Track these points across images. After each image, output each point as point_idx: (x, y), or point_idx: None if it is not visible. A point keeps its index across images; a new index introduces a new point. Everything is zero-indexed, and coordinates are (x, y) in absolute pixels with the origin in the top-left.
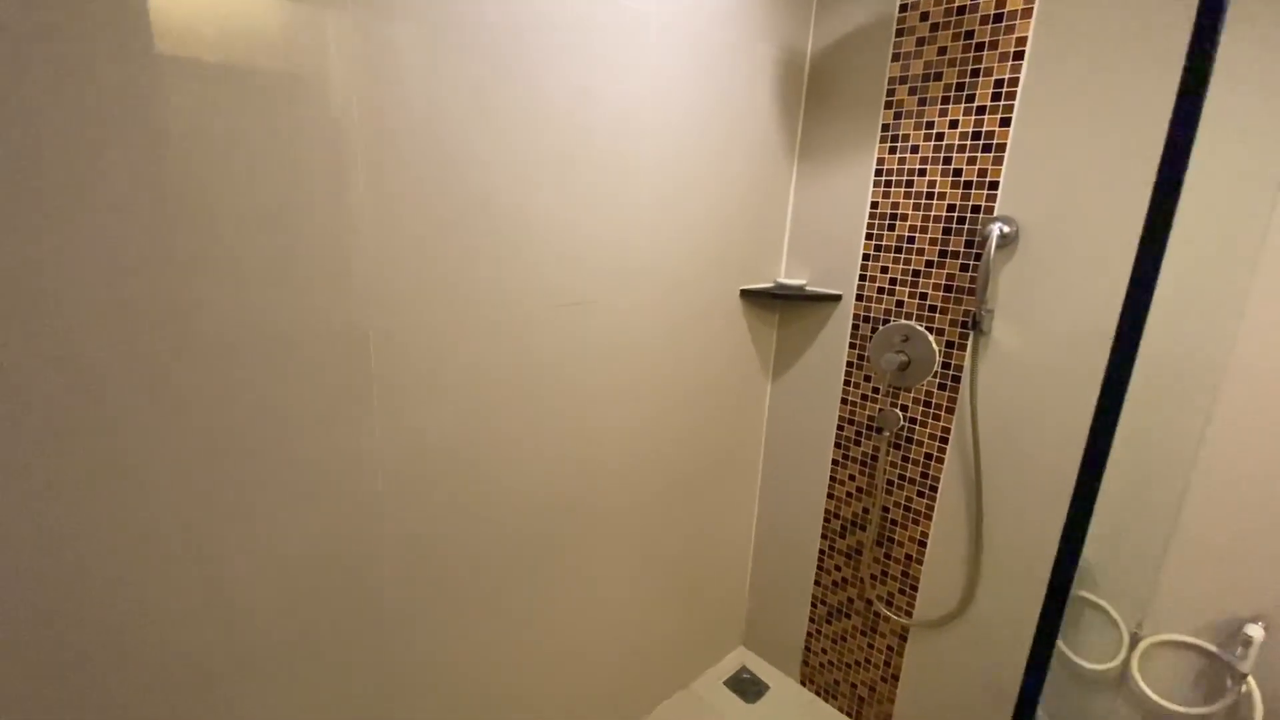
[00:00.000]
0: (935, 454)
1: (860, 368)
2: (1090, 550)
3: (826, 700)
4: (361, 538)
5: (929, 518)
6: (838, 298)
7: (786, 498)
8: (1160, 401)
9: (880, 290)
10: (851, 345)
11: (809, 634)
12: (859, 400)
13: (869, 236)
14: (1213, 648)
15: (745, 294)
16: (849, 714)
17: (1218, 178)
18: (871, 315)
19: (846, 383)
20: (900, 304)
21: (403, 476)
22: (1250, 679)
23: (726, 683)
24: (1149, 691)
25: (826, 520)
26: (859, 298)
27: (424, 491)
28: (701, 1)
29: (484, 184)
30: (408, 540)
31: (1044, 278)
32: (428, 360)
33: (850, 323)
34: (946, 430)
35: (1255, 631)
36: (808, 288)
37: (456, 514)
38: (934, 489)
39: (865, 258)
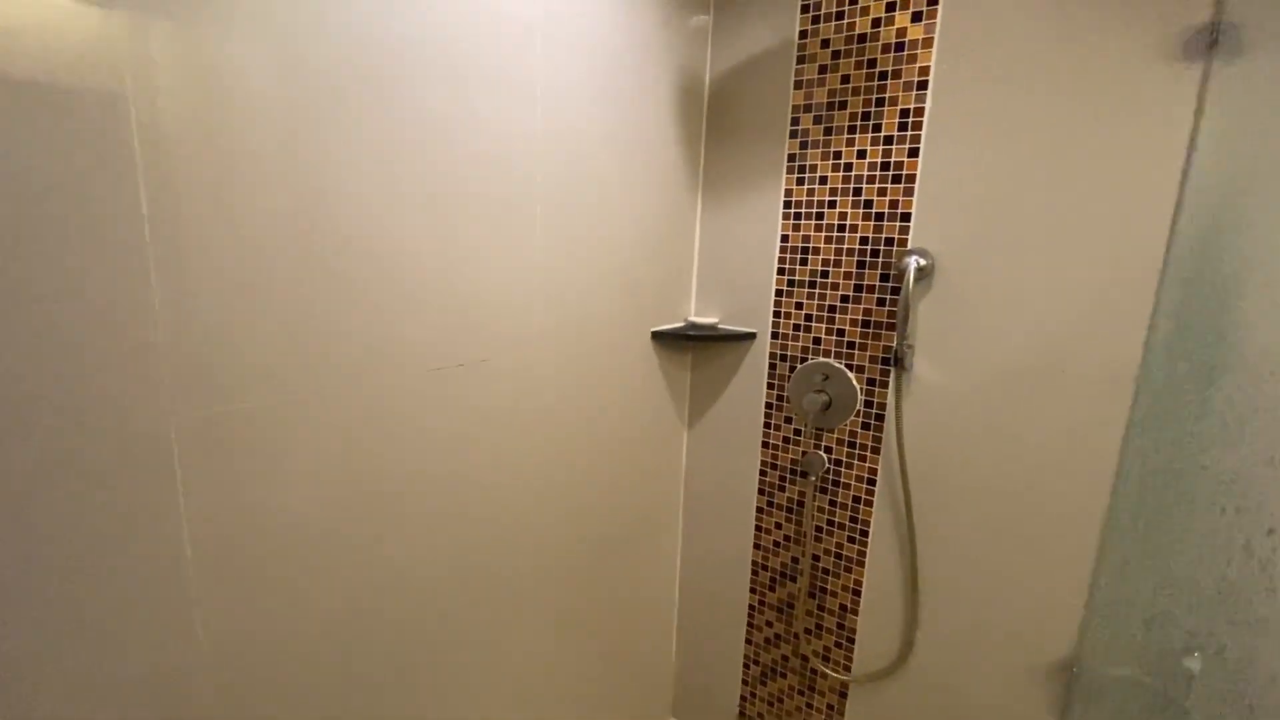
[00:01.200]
0: (863, 497)
1: (780, 409)
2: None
3: None
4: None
5: (861, 564)
6: (752, 336)
7: (711, 550)
8: None
9: (796, 327)
10: (770, 386)
11: (743, 697)
12: (781, 443)
13: (781, 271)
14: (1145, 677)
15: (656, 336)
16: None
17: None
18: (789, 354)
19: (767, 425)
20: (818, 341)
21: (235, 579)
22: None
23: None
24: None
25: (755, 573)
26: (775, 335)
27: (265, 590)
28: (590, 12)
29: (347, 222)
30: (238, 653)
31: (963, 311)
32: (273, 444)
33: (767, 362)
34: (874, 471)
35: (1193, 664)
36: (720, 326)
37: (318, 611)
38: (865, 534)
39: (779, 293)
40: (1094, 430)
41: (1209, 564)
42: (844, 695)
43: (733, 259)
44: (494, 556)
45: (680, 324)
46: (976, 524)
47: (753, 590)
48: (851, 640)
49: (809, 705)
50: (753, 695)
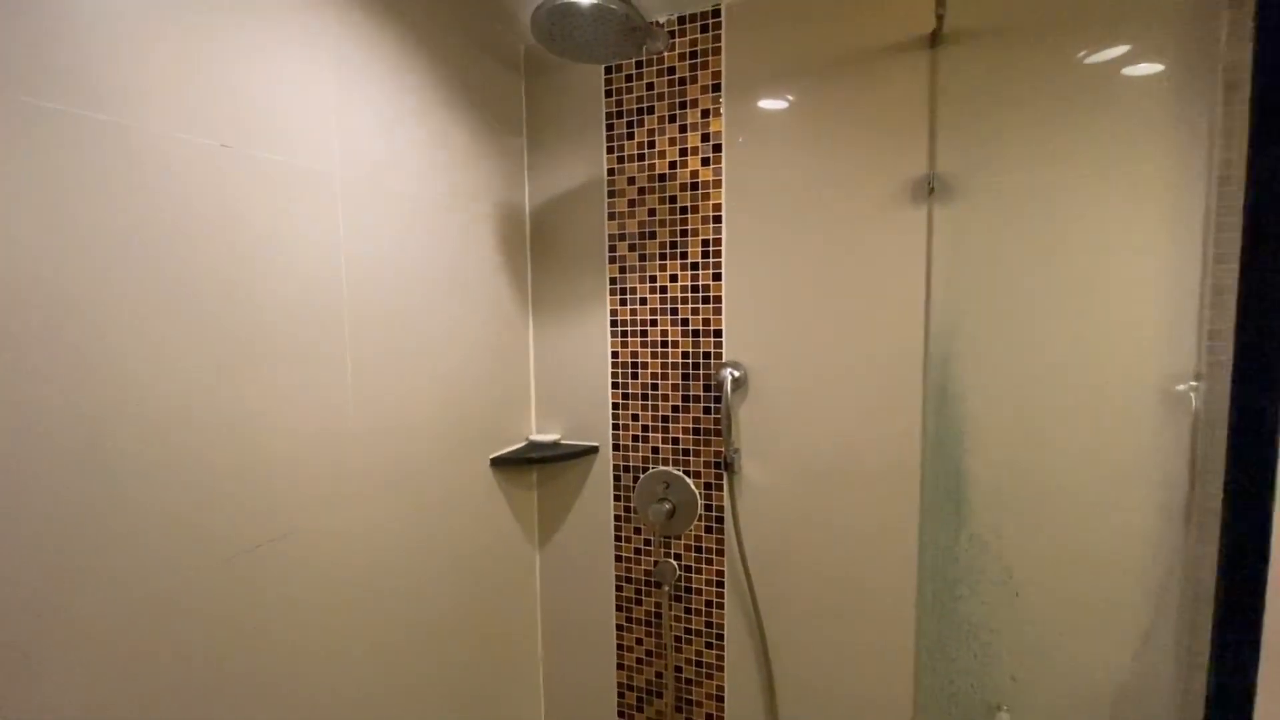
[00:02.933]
0: (715, 601)
1: (629, 520)
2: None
3: None
4: None
5: (721, 669)
6: (595, 449)
7: (575, 675)
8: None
9: (635, 438)
10: (616, 498)
11: None
12: (633, 555)
13: (615, 385)
14: None
15: (497, 462)
16: None
17: None
18: (631, 464)
19: (618, 538)
20: (656, 450)
21: None
22: None
23: None
24: None
25: (621, 694)
26: (616, 447)
27: None
28: (393, 161)
29: (121, 382)
30: None
31: (775, 416)
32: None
33: (611, 474)
34: (721, 574)
35: (1004, 717)
36: (562, 442)
37: None
38: (720, 638)
39: (615, 406)
40: (894, 516)
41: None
42: None
43: (568, 376)
44: None
45: (521, 444)
46: (816, 614)
47: (620, 714)
48: None
49: None
50: None
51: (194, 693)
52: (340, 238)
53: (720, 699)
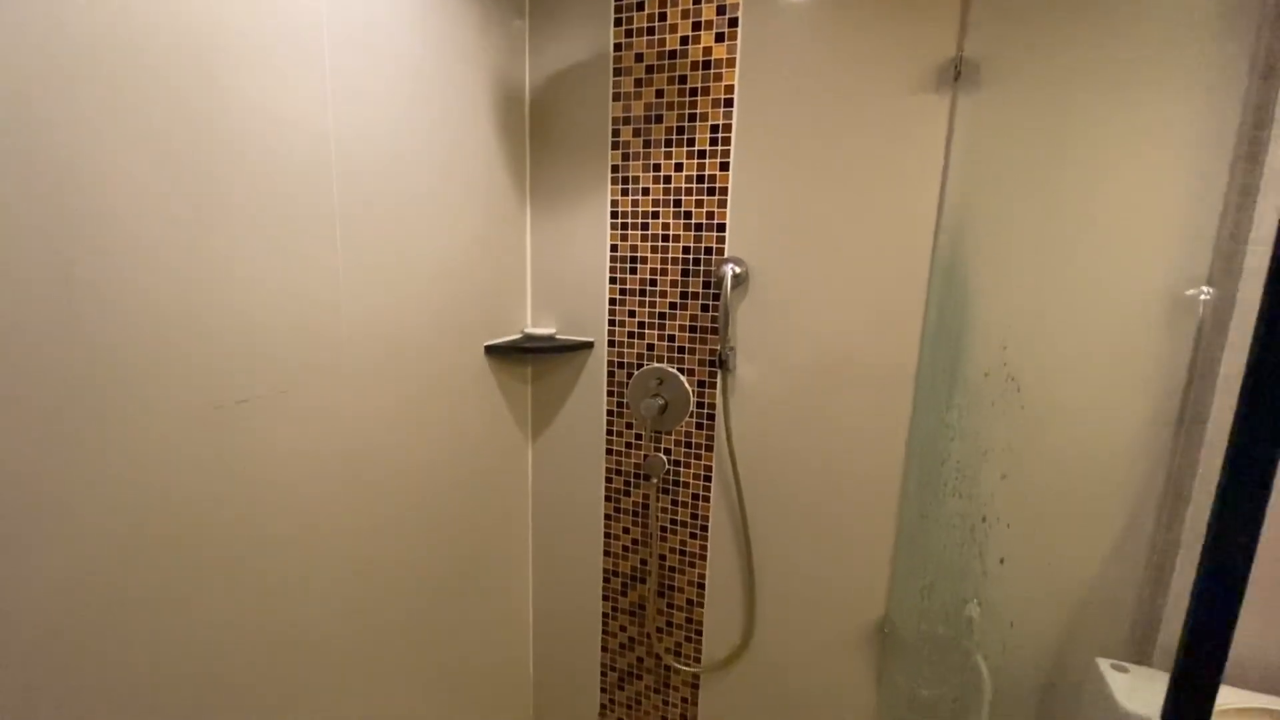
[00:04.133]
0: (701, 494)
1: (621, 415)
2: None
3: None
4: None
5: (704, 558)
6: (590, 345)
7: (563, 562)
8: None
9: (631, 335)
10: (610, 393)
11: (602, 705)
12: (624, 449)
13: (613, 280)
14: (945, 630)
15: (491, 351)
16: None
17: None
18: (625, 361)
19: (610, 432)
20: (651, 347)
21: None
22: (978, 656)
23: None
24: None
25: (606, 580)
26: (611, 344)
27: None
28: (391, 10)
29: (98, 225)
30: None
31: (775, 315)
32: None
33: (606, 370)
34: (709, 469)
35: (973, 611)
36: (558, 337)
37: (120, 688)
38: (705, 529)
39: (612, 302)
40: (886, 418)
41: (947, 543)
42: (696, 686)
43: (566, 269)
44: (322, 619)
45: (517, 336)
46: (799, 508)
47: (605, 597)
48: (699, 633)
49: (665, 702)
50: (611, 702)
51: (181, 534)
52: (328, 90)
53: (701, 586)
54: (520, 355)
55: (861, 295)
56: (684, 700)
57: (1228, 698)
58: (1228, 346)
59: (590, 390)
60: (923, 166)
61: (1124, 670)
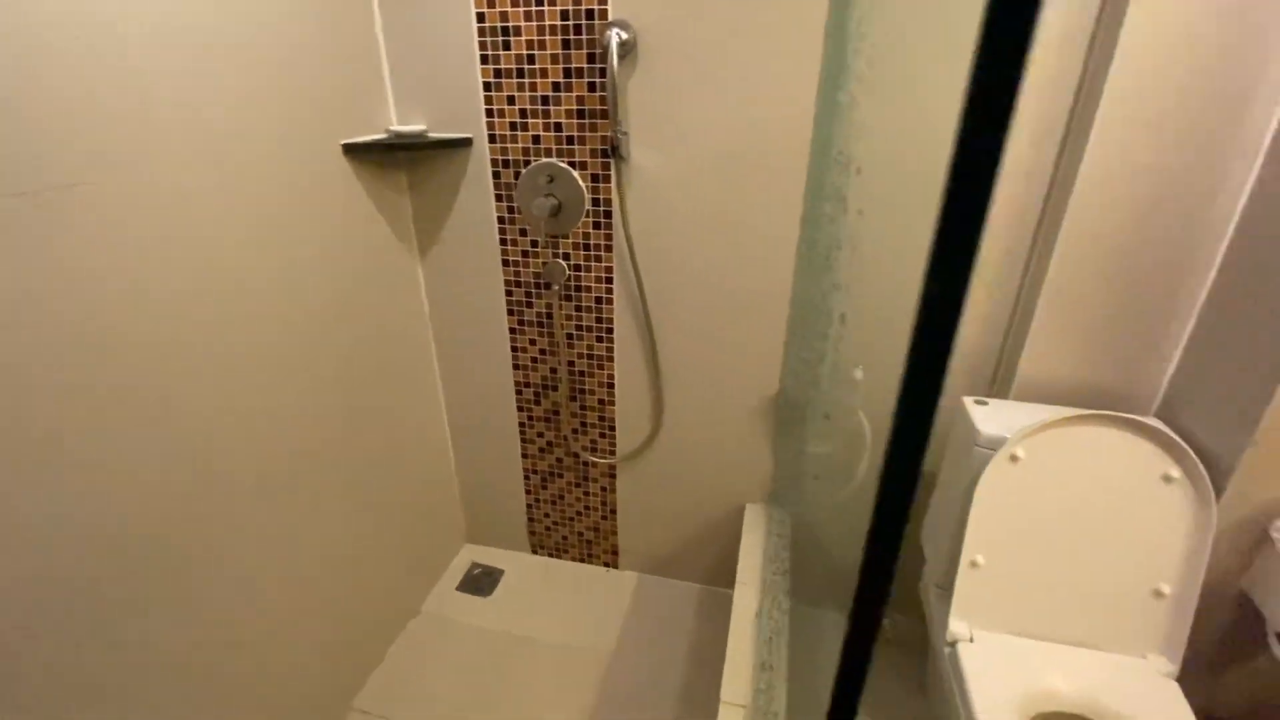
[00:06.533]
0: (604, 297)
1: (514, 221)
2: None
3: (560, 558)
4: None
5: (611, 360)
6: (468, 142)
7: (472, 379)
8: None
9: (513, 126)
10: (498, 197)
11: (529, 505)
12: (520, 257)
13: (485, 60)
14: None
15: (353, 151)
16: (581, 561)
17: None
18: (510, 158)
19: (503, 241)
20: (537, 140)
21: None
22: (861, 412)
23: (460, 587)
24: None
25: (519, 391)
26: (492, 138)
27: None
28: None
29: None
30: None
31: (666, 91)
32: None
33: (490, 170)
34: (610, 270)
35: (859, 374)
36: (430, 134)
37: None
38: (610, 331)
39: (487, 88)
40: (784, 207)
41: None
42: (613, 476)
43: (427, 48)
44: (233, 443)
45: (382, 134)
46: (700, 300)
47: (520, 408)
48: (613, 429)
49: (586, 494)
50: (537, 501)
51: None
52: None
53: (611, 385)
54: (388, 157)
55: (758, 71)
56: (603, 489)
57: (1052, 414)
58: None
59: (476, 196)
60: None
61: (984, 404)
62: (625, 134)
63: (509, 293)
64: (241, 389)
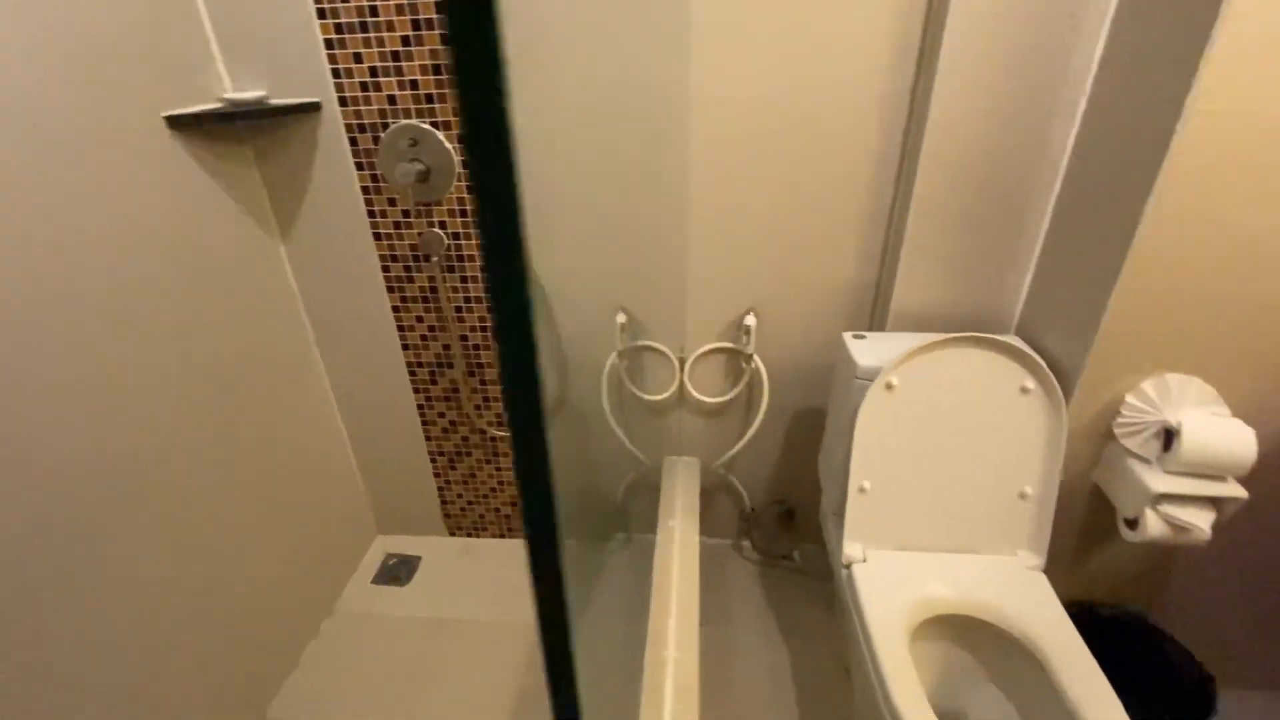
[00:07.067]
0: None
1: (380, 191)
2: (636, 310)
3: (479, 536)
4: None
5: None
6: (316, 106)
7: (360, 365)
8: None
9: (364, 87)
10: (360, 166)
11: (440, 488)
12: (393, 229)
13: (323, 14)
14: (730, 344)
15: (181, 124)
16: (502, 536)
17: None
18: (366, 121)
19: (372, 214)
20: (393, 100)
21: None
22: (755, 356)
23: (376, 580)
24: (698, 394)
25: (412, 372)
26: (343, 101)
27: None
28: None
29: None
30: None
31: (532, 37)
32: None
33: (346, 136)
34: None
35: (751, 320)
36: (271, 100)
37: None
38: None
39: (330, 45)
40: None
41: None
42: None
43: (254, 3)
44: (94, 468)
45: (216, 104)
46: (591, 260)
47: (416, 390)
48: None
49: (499, 469)
50: (448, 483)
51: None
52: None
53: None
54: (226, 129)
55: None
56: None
57: (921, 341)
58: None
59: (334, 166)
60: None
61: (862, 338)
62: None
63: (386, 268)
64: (86, 412)
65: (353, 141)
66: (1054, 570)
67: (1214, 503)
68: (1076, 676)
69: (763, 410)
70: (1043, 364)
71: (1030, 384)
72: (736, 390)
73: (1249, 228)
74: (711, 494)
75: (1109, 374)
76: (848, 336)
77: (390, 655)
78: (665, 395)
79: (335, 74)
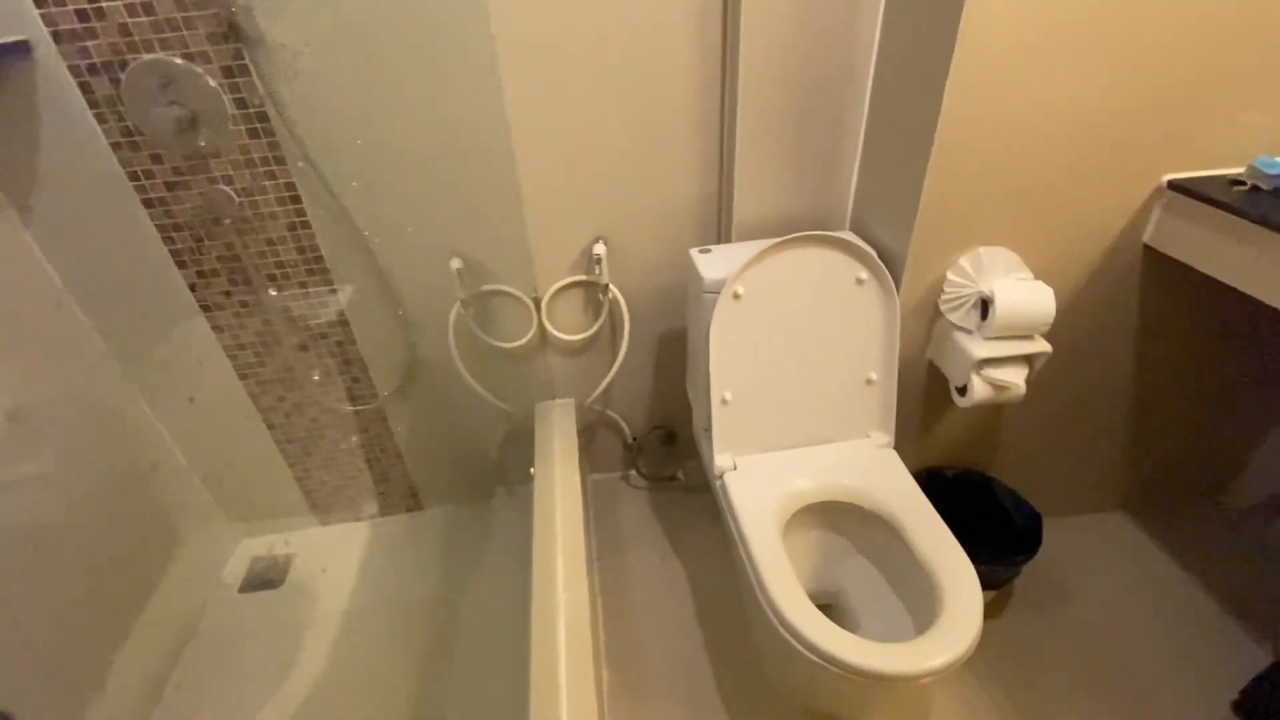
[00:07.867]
0: (298, 221)
1: (138, 147)
2: (477, 251)
3: (357, 520)
4: None
5: (335, 292)
6: (24, 46)
7: (167, 360)
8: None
9: (83, 17)
10: (102, 119)
11: (299, 478)
12: (166, 192)
13: None
14: (583, 276)
15: None
16: (381, 515)
17: None
18: (96, 60)
19: (134, 177)
20: (126, 31)
21: None
22: (611, 286)
23: (243, 589)
24: (560, 334)
25: (233, 356)
26: (58, 37)
27: None
28: None
29: None
30: None
31: None
32: None
33: (73, 81)
34: (292, 185)
35: (600, 249)
36: None
37: None
38: (319, 258)
39: None
40: (472, 73)
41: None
42: (384, 418)
43: None
44: None
45: None
46: (412, 200)
47: (243, 376)
48: (366, 371)
49: (362, 445)
50: (307, 471)
51: None
52: None
53: (345, 323)
54: None
55: None
56: (379, 435)
57: (760, 247)
58: None
59: (65, 119)
60: None
61: (708, 252)
62: (247, 7)
63: (169, 239)
64: None
65: (85, 87)
66: (903, 444)
67: (1026, 360)
68: (926, 535)
69: (625, 339)
70: (873, 253)
71: (864, 274)
72: (599, 323)
73: (1032, 105)
74: (593, 431)
75: (931, 255)
76: (694, 252)
77: (271, 664)
78: (525, 340)
79: (39, 3)
